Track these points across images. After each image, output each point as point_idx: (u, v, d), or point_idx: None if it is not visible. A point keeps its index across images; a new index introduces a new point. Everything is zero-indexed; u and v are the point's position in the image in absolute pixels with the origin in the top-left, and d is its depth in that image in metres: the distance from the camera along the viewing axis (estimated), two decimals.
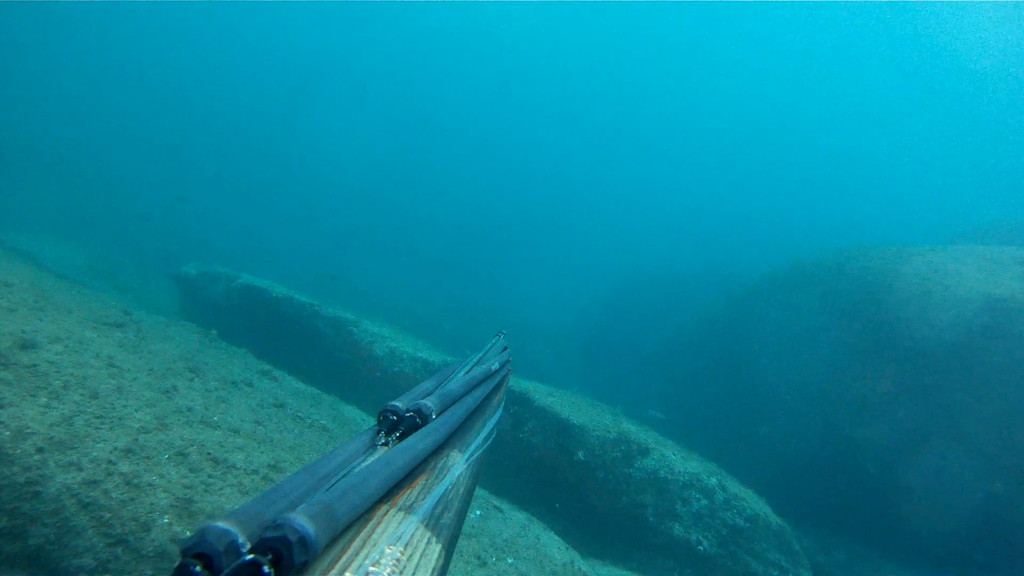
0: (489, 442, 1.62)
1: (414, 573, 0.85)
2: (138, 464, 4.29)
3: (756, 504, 8.61)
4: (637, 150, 60.07)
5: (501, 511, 6.67)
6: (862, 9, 47.08)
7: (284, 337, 9.43)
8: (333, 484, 0.92)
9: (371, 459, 1.04)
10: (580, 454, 7.87)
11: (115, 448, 4.31)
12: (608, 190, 57.51)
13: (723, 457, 10.13)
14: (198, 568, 0.65)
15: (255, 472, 4.78)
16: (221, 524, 0.71)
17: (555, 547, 6.53)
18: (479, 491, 7.10)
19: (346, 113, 55.22)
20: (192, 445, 4.70)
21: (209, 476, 4.51)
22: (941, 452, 8.21)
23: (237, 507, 0.76)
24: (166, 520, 4.05)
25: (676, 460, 8.15)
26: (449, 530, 1.09)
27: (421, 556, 0.90)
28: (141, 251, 15.58)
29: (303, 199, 34.30)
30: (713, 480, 8.32)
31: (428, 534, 0.97)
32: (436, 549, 0.96)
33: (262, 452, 5.15)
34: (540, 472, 8.07)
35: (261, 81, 53.91)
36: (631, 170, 59.06)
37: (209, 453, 4.71)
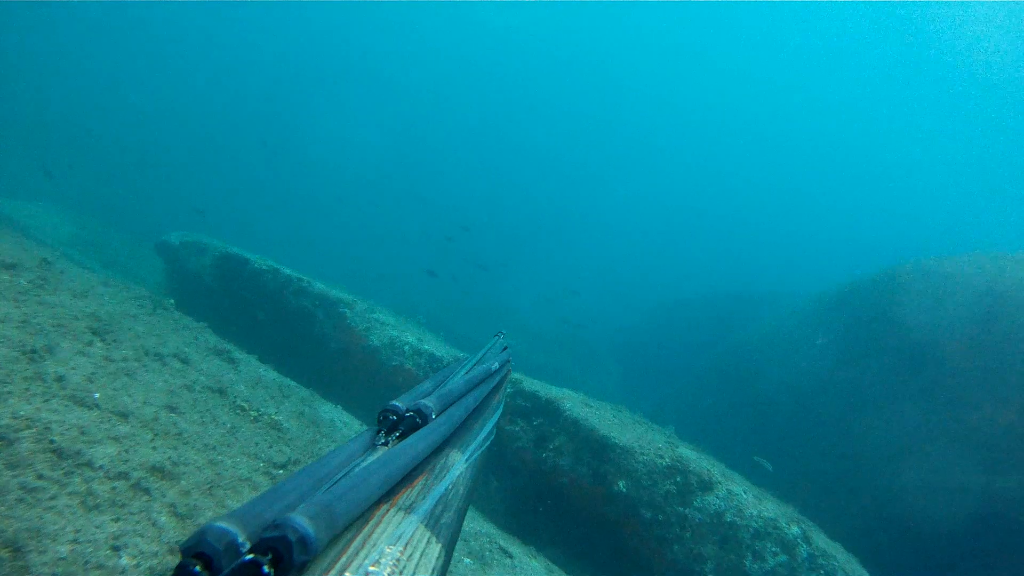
0: (489, 442, 1.61)
1: (414, 573, 0.84)
2: None
3: (849, 565, 6.56)
4: (705, 170, 58.08)
5: (510, 556, 4.84)
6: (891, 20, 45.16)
7: (265, 318, 7.84)
8: (333, 484, 0.89)
9: (371, 459, 1.01)
10: (621, 484, 5.96)
11: None
12: (661, 206, 55.93)
13: (792, 496, 8.09)
14: (198, 568, 0.64)
15: (123, 476, 3.10)
16: (221, 524, 0.69)
17: None
18: (482, 527, 5.28)
19: (382, 113, 54.48)
20: (28, 428, 3.06)
21: (39, 478, 2.85)
22: None
23: (237, 507, 0.74)
24: None
25: (747, 500, 6.18)
26: (449, 529, 1.08)
27: (421, 556, 0.88)
28: (142, 229, 14.34)
29: (339, 197, 33.46)
30: (795, 529, 6.32)
31: (428, 534, 0.95)
32: (436, 549, 0.95)
33: (154, 448, 3.47)
34: (566, 505, 6.18)
35: (286, 78, 53.52)
36: (689, 187, 57.33)
37: (53, 442, 3.05)
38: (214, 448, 3.89)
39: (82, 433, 3.23)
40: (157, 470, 3.29)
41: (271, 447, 4.36)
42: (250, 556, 0.66)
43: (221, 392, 4.79)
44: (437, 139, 55.87)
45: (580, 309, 21.87)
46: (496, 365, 2.02)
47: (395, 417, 1.21)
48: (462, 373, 1.74)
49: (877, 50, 47.89)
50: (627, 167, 58.80)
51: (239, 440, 4.20)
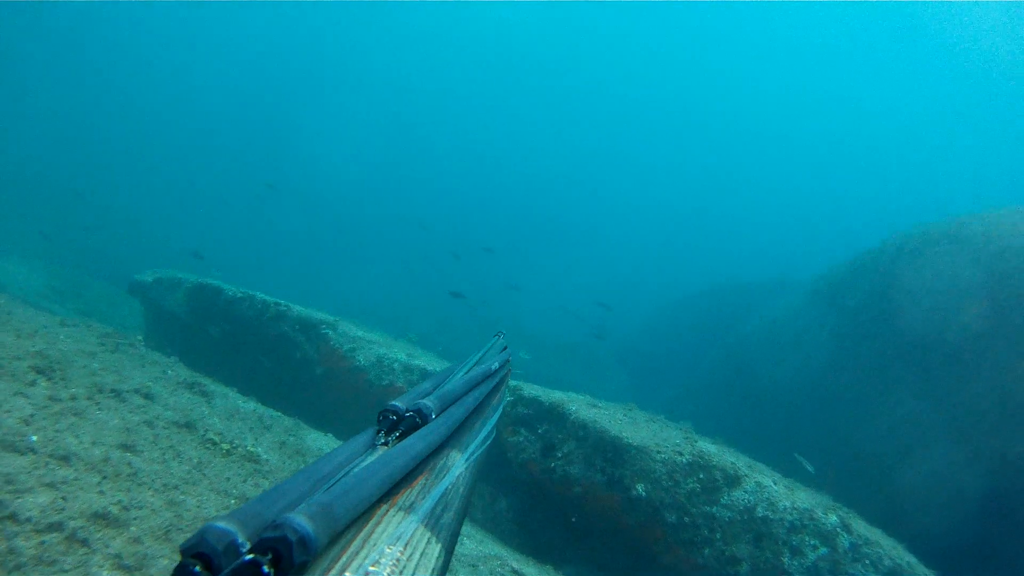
0: (489, 442, 1.62)
1: (414, 573, 0.83)
2: None
3: (894, 551, 6.06)
4: (704, 164, 57.72)
5: None
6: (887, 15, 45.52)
7: (245, 349, 7.38)
8: (333, 484, 0.88)
9: (370, 459, 1.00)
10: (640, 488, 5.48)
11: None
12: (654, 205, 55.72)
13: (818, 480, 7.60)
14: (198, 568, 0.63)
15: (55, 528, 2.63)
16: (221, 524, 0.68)
17: None
18: (492, 549, 4.79)
19: (373, 124, 54.00)
20: None
21: None
22: None
23: (237, 507, 0.78)
24: None
25: (779, 492, 5.70)
26: (449, 530, 1.08)
27: (421, 556, 0.88)
28: (117, 274, 13.84)
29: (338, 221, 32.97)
30: (832, 518, 5.84)
31: (428, 534, 0.95)
32: (436, 549, 0.94)
33: (100, 493, 3.00)
34: (582, 517, 5.69)
35: (267, 87, 52.93)
36: (685, 183, 57.16)
37: None
38: (176, 487, 3.42)
39: (8, 482, 2.77)
40: (100, 517, 2.82)
41: (245, 481, 3.89)
42: (250, 556, 0.64)
43: (189, 426, 4.33)
44: (432, 155, 55.74)
45: (585, 317, 21.36)
46: (496, 365, 2.00)
47: (395, 417, 1.20)
48: (462, 373, 1.73)
49: (873, 42, 48.14)
50: (617, 170, 58.64)
51: (207, 476, 3.73)
